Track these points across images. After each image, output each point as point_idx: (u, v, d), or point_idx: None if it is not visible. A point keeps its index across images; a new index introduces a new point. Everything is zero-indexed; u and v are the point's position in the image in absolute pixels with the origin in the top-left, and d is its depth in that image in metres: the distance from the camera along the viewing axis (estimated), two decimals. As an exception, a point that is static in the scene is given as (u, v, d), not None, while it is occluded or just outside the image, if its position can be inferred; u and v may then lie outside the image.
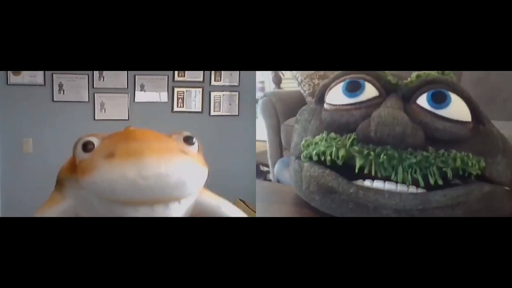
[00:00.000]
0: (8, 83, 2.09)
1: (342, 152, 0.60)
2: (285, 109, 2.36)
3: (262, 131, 2.50)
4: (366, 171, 0.59)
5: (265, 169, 2.73)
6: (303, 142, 0.67)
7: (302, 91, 2.46)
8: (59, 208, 0.56)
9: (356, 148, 0.60)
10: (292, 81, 2.57)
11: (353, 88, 0.65)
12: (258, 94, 2.64)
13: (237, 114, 2.35)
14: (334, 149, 0.61)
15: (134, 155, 0.52)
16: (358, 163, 0.59)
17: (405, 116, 0.59)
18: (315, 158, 0.63)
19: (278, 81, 2.85)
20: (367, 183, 0.60)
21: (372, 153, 0.59)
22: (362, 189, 0.59)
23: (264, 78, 3.44)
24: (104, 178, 0.51)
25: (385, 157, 0.58)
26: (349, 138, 0.61)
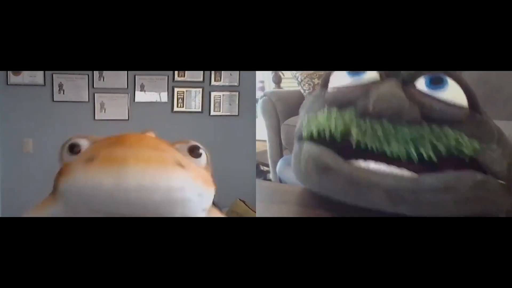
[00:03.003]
0: (8, 83, 2.08)
1: (341, 125, 0.62)
2: (285, 108, 2.36)
3: (262, 131, 2.50)
4: (362, 144, 0.61)
5: (265, 168, 2.73)
6: (304, 118, 0.69)
7: (302, 91, 2.46)
8: (47, 212, 0.52)
9: (354, 120, 0.62)
10: (292, 80, 2.57)
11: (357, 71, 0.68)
12: (258, 94, 2.64)
13: (237, 114, 2.35)
14: (334, 122, 0.63)
15: (116, 162, 0.43)
16: (355, 135, 0.61)
17: (403, 93, 0.61)
18: (315, 134, 0.65)
19: (278, 81, 2.84)
20: (363, 163, 0.61)
21: (369, 125, 0.60)
22: (357, 169, 0.61)
23: (264, 77, 3.43)
24: (78, 185, 0.44)
25: (380, 129, 0.60)
26: (348, 112, 0.63)
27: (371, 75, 0.67)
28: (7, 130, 2.10)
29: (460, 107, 0.63)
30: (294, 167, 0.71)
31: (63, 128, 2.09)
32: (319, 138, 0.65)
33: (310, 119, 0.68)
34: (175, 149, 0.50)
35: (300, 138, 0.70)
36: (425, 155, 0.58)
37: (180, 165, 0.46)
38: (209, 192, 0.49)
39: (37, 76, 2.09)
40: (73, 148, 0.49)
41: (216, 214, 0.56)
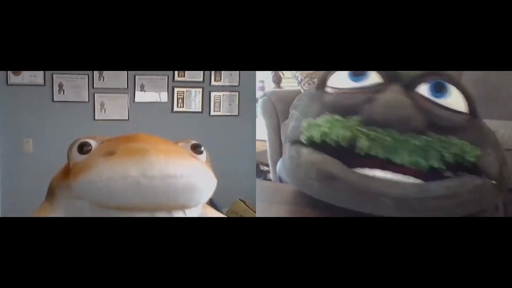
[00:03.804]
0: (8, 83, 2.08)
1: (347, 133, 0.61)
2: (285, 108, 2.34)
3: (262, 130, 2.49)
4: (371, 152, 0.60)
5: (265, 168, 2.72)
6: (303, 123, 0.67)
7: (302, 91, 2.46)
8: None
9: (361, 129, 0.61)
10: (292, 80, 2.57)
11: (359, 73, 0.67)
12: (258, 94, 2.64)
13: (237, 114, 2.35)
14: (339, 130, 0.62)
15: (139, 154, 0.46)
16: (363, 144, 0.60)
17: (409, 100, 0.61)
18: (317, 139, 0.64)
19: (278, 81, 2.84)
20: (367, 171, 0.61)
21: (377, 134, 0.60)
22: (363, 177, 0.60)
23: (264, 77, 3.43)
24: (102, 177, 0.45)
25: (389, 138, 0.59)
26: (354, 120, 0.62)
27: (373, 79, 0.66)
28: (7, 130, 2.10)
29: (461, 113, 0.64)
30: (291, 172, 0.69)
31: (63, 128, 2.08)
32: (321, 145, 0.64)
33: (311, 124, 0.66)
34: (180, 146, 0.53)
35: (296, 142, 0.68)
36: (435, 165, 0.59)
37: (194, 157, 0.51)
38: (215, 182, 0.52)
39: (37, 76, 2.09)
40: (83, 148, 0.51)
41: (211, 210, 0.58)
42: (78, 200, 0.49)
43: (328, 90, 0.69)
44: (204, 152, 0.54)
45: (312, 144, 0.65)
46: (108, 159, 0.46)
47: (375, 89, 0.65)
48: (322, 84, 0.72)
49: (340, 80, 0.68)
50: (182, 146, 0.53)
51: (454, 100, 0.64)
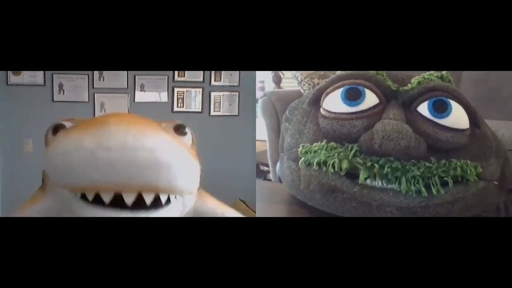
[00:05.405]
0: (8, 83, 2.08)
1: (345, 164, 0.60)
2: (285, 108, 2.35)
3: (262, 131, 2.49)
4: (369, 182, 0.59)
5: (265, 168, 2.72)
6: (300, 148, 0.66)
7: (302, 91, 2.46)
8: (39, 207, 0.52)
9: (359, 160, 0.60)
10: (292, 80, 2.57)
11: (353, 96, 0.64)
12: (258, 94, 2.64)
13: (237, 114, 2.35)
14: (336, 160, 0.60)
15: (97, 124, 0.41)
16: (363, 175, 0.59)
17: (409, 129, 0.59)
18: (316, 167, 0.63)
19: (278, 81, 2.84)
20: (369, 182, 0.60)
21: (376, 165, 0.59)
22: (366, 188, 0.59)
23: (264, 77, 3.43)
24: (59, 150, 0.42)
25: (389, 169, 0.58)
26: (351, 149, 0.61)
27: (369, 101, 0.64)
28: (7, 130, 2.10)
29: (463, 130, 0.63)
30: (291, 183, 0.69)
31: (63, 128, 2.09)
32: (319, 169, 0.63)
33: (308, 151, 0.65)
34: (161, 126, 0.48)
35: (294, 159, 0.68)
36: (434, 191, 0.58)
37: (165, 131, 0.45)
38: (195, 165, 0.47)
39: (37, 76, 2.09)
40: (58, 129, 0.48)
41: (207, 196, 0.56)
42: (59, 188, 0.46)
43: (323, 112, 0.67)
44: (189, 135, 0.50)
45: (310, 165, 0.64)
46: (66, 132, 0.44)
47: (373, 112, 0.63)
48: (316, 101, 0.70)
49: (334, 103, 0.66)
50: (165, 127, 0.49)
51: (456, 117, 0.62)
